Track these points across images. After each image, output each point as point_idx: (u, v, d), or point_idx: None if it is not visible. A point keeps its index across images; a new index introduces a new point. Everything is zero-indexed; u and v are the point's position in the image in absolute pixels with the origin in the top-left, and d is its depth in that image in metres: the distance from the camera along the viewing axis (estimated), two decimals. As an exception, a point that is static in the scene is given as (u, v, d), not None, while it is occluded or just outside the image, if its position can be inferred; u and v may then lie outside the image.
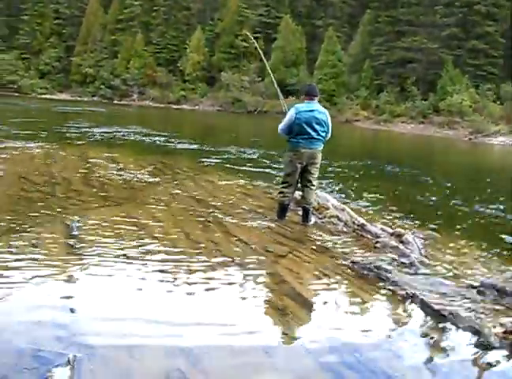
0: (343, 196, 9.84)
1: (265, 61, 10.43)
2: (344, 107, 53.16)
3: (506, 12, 51.50)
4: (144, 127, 24.13)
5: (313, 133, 6.51)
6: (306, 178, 6.71)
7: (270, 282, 4.56)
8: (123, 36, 73.86)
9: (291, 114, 6.57)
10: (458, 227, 8.28)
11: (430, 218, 8.61)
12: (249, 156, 16.04)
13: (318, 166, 6.73)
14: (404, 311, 4.14)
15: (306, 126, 6.49)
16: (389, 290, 4.52)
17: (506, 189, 13.88)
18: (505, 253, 6.67)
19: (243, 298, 4.16)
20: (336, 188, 10.99)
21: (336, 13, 66.57)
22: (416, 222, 8.01)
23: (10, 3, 78.75)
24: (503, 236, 7.73)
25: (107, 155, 12.59)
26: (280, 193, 6.80)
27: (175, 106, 64.42)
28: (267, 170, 12.81)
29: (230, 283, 4.43)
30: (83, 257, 4.72)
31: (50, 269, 4.34)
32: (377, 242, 6.00)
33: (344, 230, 6.62)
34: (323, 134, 6.64)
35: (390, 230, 6.39)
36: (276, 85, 8.49)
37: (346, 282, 4.67)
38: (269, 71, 9.90)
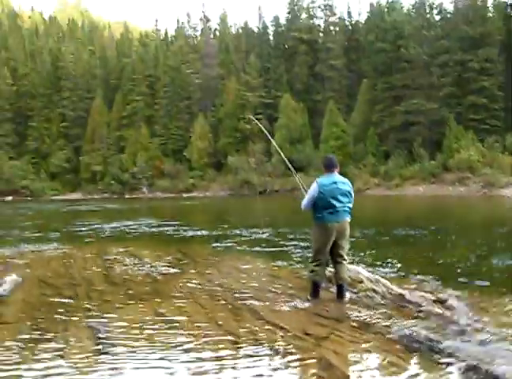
0: (365, 266, 9.46)
1: (272, 141, 10.12)
2: (354, 177, 53.10)
3: (499, 66, 52.44)
4: (156, 218, 24.09)
5: (338, 205, 6.30)
6: (337, 252, 6.43)
7: (317, 368, 4.22)
8: (128, 131, 75.68)
9: (314, 189, 6.38)
10: (493, 284, 7.88)
11: (461, 278, 8.25)
12: (263, 237, 15.72)
13: (347, 238, 6.47)
14: (469, 386, 3.78)
15: (331, 199, 6.29)
16: (446, 363, 4.16)
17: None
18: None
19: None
20: (357, 259, 10.60)
21: (334, 85, 67.90)
22: (449, 284, 7.64)
23: (18, 111, 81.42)
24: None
25: (123, 249, 12.35)
26: (312, 271, 6.48)
27: (185, 195, 64.83)
28: (285, 249, 12.49)
29: (275, 375, 4.08)
30: (115, 364, 4.40)
31: (80, 380, 4.04)
32: (420, 311, 5.67)
33: (382, 302, 6.27)
34: (349, 205, 6.43)
35: (432, 297, 6.05)
36: (288, 163, 8.24)
37: (398, 359, 4.32)
38: (278, 150, 9.65)
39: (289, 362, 4.35)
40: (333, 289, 6.91)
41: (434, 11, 59.78)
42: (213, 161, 70.71)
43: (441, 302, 5.75)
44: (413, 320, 5.42)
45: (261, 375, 4.10)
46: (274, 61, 73.66)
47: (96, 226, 20.81)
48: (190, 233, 17.46)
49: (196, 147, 69.94)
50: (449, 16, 59.30)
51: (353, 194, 6.56)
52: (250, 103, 69.63)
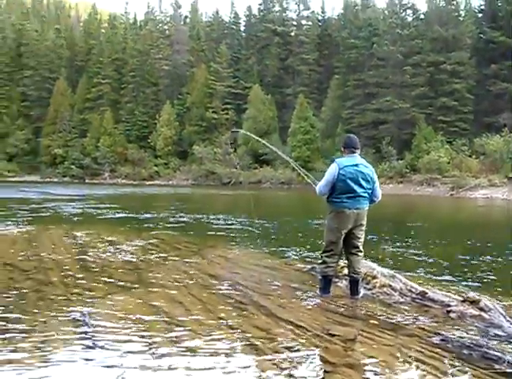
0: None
1: (285, 157, 8.28)
2: (321, 174, 52.65)
3: (471, 69, 52.65)
4: (120, 205, 23.17)
5: (359, 190, 5.58)
6: (352, 243, 5.72)
7: (360, 376, 3.51)
8: (92, 115, 73.80)
9: (333, 171, 5.63)
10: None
11: (460, 277, 7.70)
12: (239, 226, 15.06)
13: (364, 228, 5.75)
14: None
15: (351, 183, 5.55)
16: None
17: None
18: None
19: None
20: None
21: (305, 80, 67.40)
22: (459, 285, 7.07)
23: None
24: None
25: (91, 233, 11.46)
26: (323, 263, 5.75)
27: (148, 183, 63.63)
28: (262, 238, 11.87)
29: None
30: (108, 362, 3.62)
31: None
32: (449, 312, 5.02)
33: (402, 300, 5.62)
34: (370, 192, 5.71)
35: (458, 297, 5.41)
36: (297, 167, 7.34)
37: (451, 368, 3.63)
38: (291, 162, 8.29)
39: (320, 368, 3.65)
40: (341, 284, 6.25)
41: (408, 11, 59.75)
42: (178, 150, 69.70)
43: (472, 302, 5.10)
44: (447, 323, 4.78)
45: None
46: (245, 52, 72.83)
47: (56, 208, 19.80)
48: (160, 220, 16.67)
49: (161, 134, 68.72)
50: (422, 17, 59.35)
51: (378, 183, 5.84)
52: (219, 92, 68.72)
